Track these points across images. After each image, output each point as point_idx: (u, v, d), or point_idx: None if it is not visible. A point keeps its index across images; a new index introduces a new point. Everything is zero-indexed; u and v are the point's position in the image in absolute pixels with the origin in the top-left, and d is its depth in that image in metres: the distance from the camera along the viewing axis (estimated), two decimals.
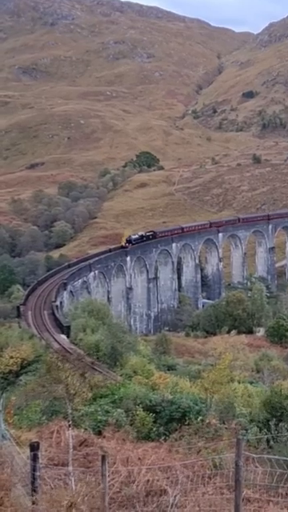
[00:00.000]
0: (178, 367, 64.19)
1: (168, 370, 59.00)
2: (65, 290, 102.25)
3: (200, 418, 23.09)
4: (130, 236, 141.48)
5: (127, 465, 15.71)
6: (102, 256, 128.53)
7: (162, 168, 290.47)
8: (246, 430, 22.58)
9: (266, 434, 21.91)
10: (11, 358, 51.03)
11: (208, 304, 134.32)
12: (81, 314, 74.37)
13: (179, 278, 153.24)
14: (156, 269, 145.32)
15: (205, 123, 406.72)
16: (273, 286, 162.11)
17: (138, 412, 24.15)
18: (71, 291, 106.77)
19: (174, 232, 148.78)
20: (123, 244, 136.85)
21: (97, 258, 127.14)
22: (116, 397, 26.70)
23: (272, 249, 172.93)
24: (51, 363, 20.64)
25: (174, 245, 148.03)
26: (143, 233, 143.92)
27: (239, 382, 38.92)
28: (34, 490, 11.94)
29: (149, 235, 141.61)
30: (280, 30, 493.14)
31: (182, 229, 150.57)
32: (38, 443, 12.22)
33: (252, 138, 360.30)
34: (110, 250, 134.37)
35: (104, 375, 39.93)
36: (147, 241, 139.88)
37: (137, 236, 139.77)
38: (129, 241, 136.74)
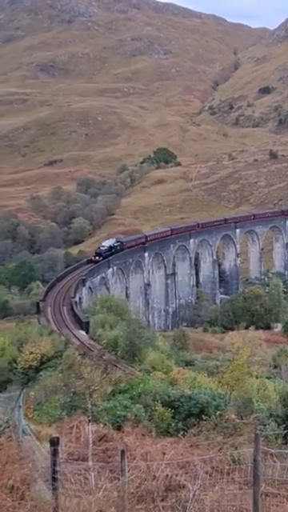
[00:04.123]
0: (196, 362, 64.40)
1: (186, 365, 59.16)
2: (84, 286, 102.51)
3: (218, 413, 23.15)
4: (99, 247, 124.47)
5: (146, 460, 15.81)
6: (141, 246, 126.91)
7: (179, 164, 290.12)
8: (265, 425, 22.59)
9: (285, 429, 21.93)
10: (31, 353, 51.50)
11: (225, 299, 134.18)
12: (100, 310, 74.74)
13: (197, 274, 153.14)
14: (174, 265, 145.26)
15: (221, 119, 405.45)
16: None
17: (156, 407, 24.25)
18: (90, 287, 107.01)
19: (139, 242, 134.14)
20: (92, 257, 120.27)
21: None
22: (135, 392, 26.81)
23: None
24: (74, 359, 20.78)
25: (191, 240, 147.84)
26: (112, 243, 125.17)
27: (257, 378, 38.93)
28: (54, 485, 12.05)
29: (116, 246, 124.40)
30: None
31: (146, 237, 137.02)
32: (58, 438, 12.30)
33: (268, 133, 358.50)
34: (75, 268, 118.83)
35: (124, 371, 40.07)
36: (116, 253, 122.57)
37: (106, 247, 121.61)
38: (99, 253, 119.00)
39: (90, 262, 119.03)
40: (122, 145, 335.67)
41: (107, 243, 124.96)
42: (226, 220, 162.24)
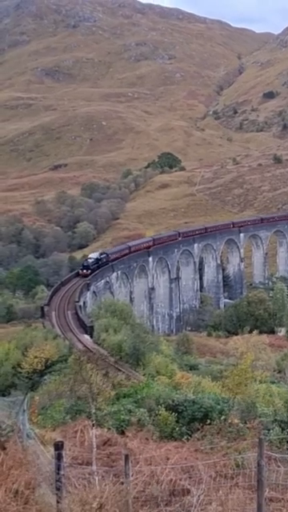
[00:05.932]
0: (200, 367, 64.39)
1: (190, 369, 59.19)
2: (88, 290, 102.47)
3: (222, 417, 23.14)
4: (86, 260, 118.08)
5: (150, 464, 15.81)
6: (125, 257, 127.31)
7: (183, 169, 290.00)
8: (269, 429, 22.56)
9: None
10: (35, 357, 51.58)
11: (229, 304, 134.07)
12: (104, 314, 74.68)
13: (201, 278, 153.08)
14: (178, 269, 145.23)
15: (225, 124, 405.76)
16: None
17: (160, 411, 24.24)
18: (94, 291, 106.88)
19: (123, 253, 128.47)
20: (80, 271, 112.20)
21: (120, 259, 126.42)
22: (139, 396, 26.82)
23: None
24: (77, 363, 20.76)
25: (195, 245, 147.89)
26: (98, 256, 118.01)
27: (261, 382, 38.90)
28: (58, 489, 12.06)
29: (103, 258, 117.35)
30: None
31: (129, 248, 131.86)
32: (62, 442, 12.34)
33: (272, 138, 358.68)
34: (62, 283, 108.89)
35: (127, 375, 40.05)
36: (103, 265, 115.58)
37: (93, 259, 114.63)
38: (86, 266, 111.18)
39: (77, 275, 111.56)
40: (126, 149, 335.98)
41: (94, 255, 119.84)
42: (207, 227, 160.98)
